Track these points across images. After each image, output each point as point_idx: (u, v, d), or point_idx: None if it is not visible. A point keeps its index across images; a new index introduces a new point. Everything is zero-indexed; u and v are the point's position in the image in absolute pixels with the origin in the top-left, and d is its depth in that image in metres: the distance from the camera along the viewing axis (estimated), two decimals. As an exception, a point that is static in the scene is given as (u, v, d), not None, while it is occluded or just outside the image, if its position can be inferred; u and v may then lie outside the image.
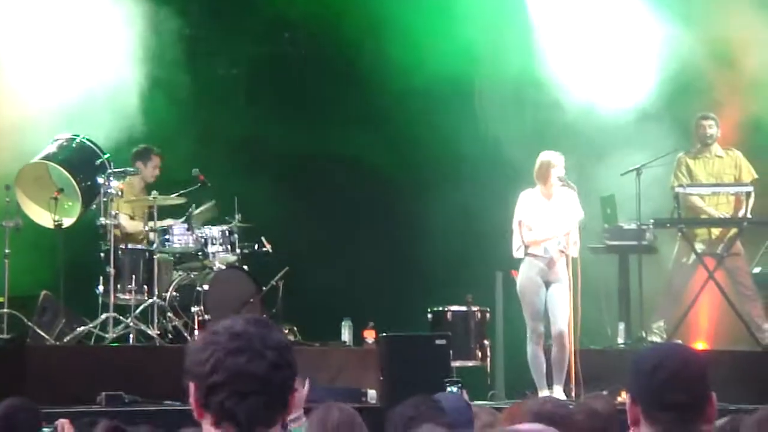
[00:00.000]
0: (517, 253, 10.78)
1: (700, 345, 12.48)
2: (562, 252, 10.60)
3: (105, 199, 11.27)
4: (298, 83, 14.04)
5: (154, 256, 11.50)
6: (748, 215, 12.18)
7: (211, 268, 11.75)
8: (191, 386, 2.81)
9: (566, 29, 13.45)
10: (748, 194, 12.23)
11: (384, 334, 10.96)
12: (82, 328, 11.09)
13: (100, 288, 11.23)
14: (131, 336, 11.05)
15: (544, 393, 10.32)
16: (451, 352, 10.66)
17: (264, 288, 11.73)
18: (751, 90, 12.99)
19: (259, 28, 14.16)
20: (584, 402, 6.04)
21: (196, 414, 2.81)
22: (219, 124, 13.40)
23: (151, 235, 11.69)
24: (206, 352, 2.80)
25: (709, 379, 3.28)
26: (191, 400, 2.81)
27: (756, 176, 12.49)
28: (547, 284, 10.63)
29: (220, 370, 2.77)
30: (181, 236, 11.69)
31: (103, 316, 11.07)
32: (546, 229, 10.63)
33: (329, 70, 13.97)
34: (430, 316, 11.80)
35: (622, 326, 12.32)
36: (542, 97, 13.53)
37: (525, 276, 10.69)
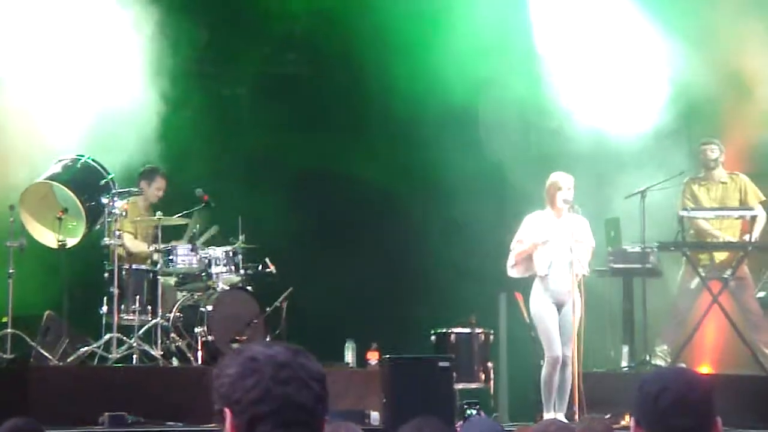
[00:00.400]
0: (511, 271, 10.77)
1: (704, 369, 12.46)
2: (576, 275, 10.57)
3: (109, 219, 11.28)
4: (304, 104, 14.04)
5: (158, 277, 11.50)
6: (754, 239, 12.16)
7: (215, 289, 11.75)
8: (227, 413, 2.73)
9: (571, 52, 13.47)
10: (753, 218, 12.22)
11: (387, 356, 10.94)
12: (86, 348, 11.07)
13: (104, 308, 11.22)
14: (135, 356, 11.03)
15: (550, 415, 10.31)
16: (454, 374, 10.64)
17: (267, 309, 11.73)
18: (760, 115, 13.00)
19: (265, 48, 14.20)
20: (585, 425, 6.00)
21: None
22: (224, 144, 13.41)
23: (155, 256, 11.69)
24: (251, 379, 2.73)
25: (714, 404, 3.27)
26: (228, 427, 2.73)
27: (763, 198, 12.47)
28: (558, 307, 10.62)
29: (268, 399, 2.71)
30: (185, 257, 11.70)
31: (107, 336, 11.06)
32: (552, 250, 10.61)
33: (335, 91, 13.99)
34: (433, 337, 11.78)
35: (625, 349, 12.31)
36: (546, 120, 13.55)
37: (538, 301, 10.67)
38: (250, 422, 2.71)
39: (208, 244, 12.04)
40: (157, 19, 12.41)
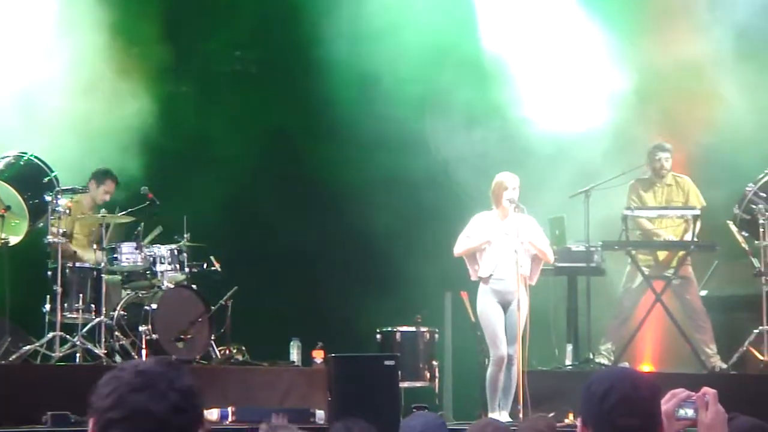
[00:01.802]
0: (474, 275, 10.80)
1: (645, 367, 12.57)
2: (523, 276, 10.61)
3: (52, 217, 11.18)
4: (250, 101, 14.00)
5: (102, 275, 11.42)
6: (695, 239, 12.28)
7: (160, 287, 11.70)
8: (90, 421, 2.74)
9: (518, 51, 13.54)
10: (695, 218, 12.32)
11: (333, 355, 10.94)
12: (28, 346, 10.97)
13: (47, 306, 11.13)
14: (78, 355, 10.95)
15: (495, 414, 10.35)
16: (399, 372, 10.66)
17: (213, 307, 11.68)
18: (704, 120, 13.12)
19: (212, 46, 14.16)
20: (528, 424, 6.03)
21: None
22: (169, 141, 13.33)
23: (99, 254, 11.61)
24: (109, 386, 2.73)
25: (660, 403, 3.30)
26: None
27: (704, 203, 12.58)
28: (504, 307, 10.65)
29: (120, 406, 2.69)
30: (129, 255, 11.63)
31: (50, 335, 10.97)
32: (498, 250, 10.65)
33: (281, 89, 13.97)
34: (379, 336, 11.82)
35: (570, 348, 12.37)
36: (491, 120, 13.60)
37: (484, 301, 10.71)
38: (103, 428, 2.70)
39: (152, 243, 11.98)
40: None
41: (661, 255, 12.66)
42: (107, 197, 12.12)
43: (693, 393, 3.43)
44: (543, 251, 10.77)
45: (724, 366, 12.20)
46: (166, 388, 2.71)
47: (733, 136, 12.84)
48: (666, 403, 3.37)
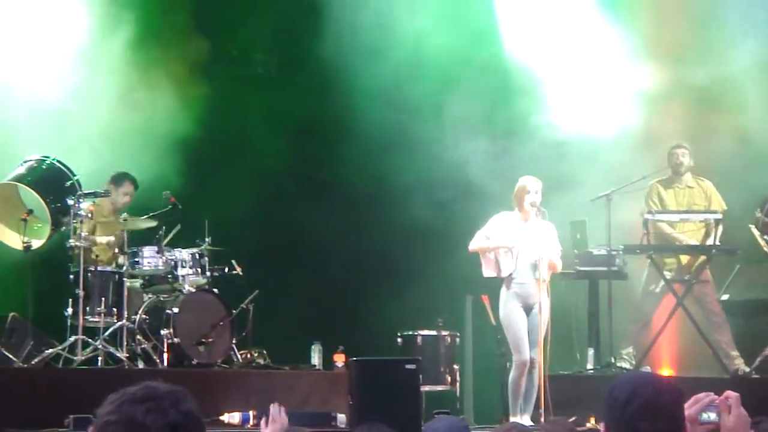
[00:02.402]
0: (486, 272, 10.79)
1: (666, 372, 12.53)
2: (543, 280, 10.60)
3: (74, 221, 11.22)
4: (271, 105, 13.99)
5: (124, 279, 11.45)
6: (717, 243, 12.25)
7: (181, 291, 11.71)
8: (89, 428, 2.77)
9: (538, 54, 13.53)
10: (717, 222, 12.29)
11: (354, 359, 10.92)
12: (51, 350, 11.01)
13: (69, 310, 11.16)
14: (100, 359, 10.98)
15: (516, 418, 10.33)
16: (420, 376, 10.65)
17: (234, 311, 11.69)
18: (726, 126, 13.10)
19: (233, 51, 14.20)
20: (547, 428, 6.04)
21: None
22: (191, 146, 13.35)
23: (121, 258, 11.64)
24: (114, 396, 2.76)
25: (683, 408, 3.29)
26: None
27: (725, 207, 12.56)
28: (526, 311, 10.64)
29: (116, 412, 2.71)
30: (150, 258, 11.65)
31: (72, 338, 11.00)
32: (519, 254, 10.63)
33: (302, 92, 13.97)
34: (400, 340, 11.82)
35: (591, 352, 12.35)
36: (514, 123, 13.60)
37: (507, 305, 10.69)
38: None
39: (172, 244, 11.99)
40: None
41: (683, 259, 12.64)
42: (127, 199, 12.14)
43: (716, 397, 3.43)
44: (554, 264, 10.76)
45: (747, 369, 12.17)
46: (168, 406, 2.72)
47: (756, 140, 12.82)
48: (689, 408, 3.36)
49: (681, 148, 12.73)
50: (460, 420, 6.02)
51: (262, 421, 6.28)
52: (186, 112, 13.07)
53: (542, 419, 10.44)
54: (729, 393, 3.44)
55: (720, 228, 12.24)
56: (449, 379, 11.67)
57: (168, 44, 13.12)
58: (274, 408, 6.23)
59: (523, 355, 10.58)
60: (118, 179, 12.12)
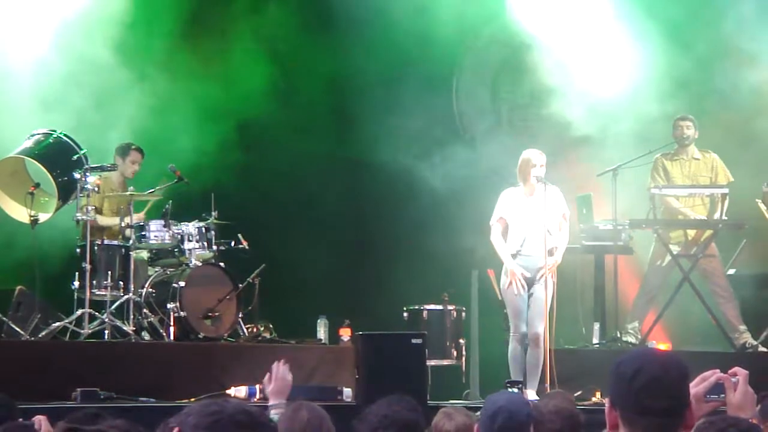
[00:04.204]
0: (499, 251, 10.79)
1: (662, 346, 12.54)
2: (549, 252, 10.61)
3: (81, 195, 11.23)
4: (279, 77, 13.95)
5: (131, 252, 11.47)
6: (724, 217, 12.24)
7: (188, 265, 11.72)
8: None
9: (548, 27, 13.48)
10: (723, 196, 12.28)
11: (360, 333, 10.96)
12: (58, 323, 11.04)
13: (76, 284, 11.18)
14: (107, 332, 11.00)
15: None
16: (426, 350, 10.67)
17: (240, 285, 11.71)
18: (736, 99, 13.08)
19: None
20: (548, 402, 6.05)
21: None
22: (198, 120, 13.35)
23: (127, 231, 11.65)
24: (209, 407, 2.86)
25: (688, 385, 3.30)
26: None
27: (732, 179, 12.54)
28: (530, 284, 10.65)
29: (210, 428, 2.80)
30: (157, 232, 11.66)
31: (79, 311, 11.03)
32: (525, 227, 10.65)
33: (311, 64, 13.94)
34: (406, 314, 11.83)
35: (597, 326, 12.37)
36: (520, 96, 13.58)
37: (508, 276, 10.70)
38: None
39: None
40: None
41: (689, 233, 12.63)
42: (136, 167, 12.15)
43: (723, 375, 3.43)
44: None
45: (754, 343, 12.19)
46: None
47: (763, 112, 12.81)
48: (695, 387, 3.37)
49: (686, 120, 12.68)
50: (520, 395, 6.04)
51: (266, 378, 6.30)
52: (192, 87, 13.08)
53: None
54: (736, 369, 3.44)
55: (727, 202, 12.23)
56: (455, 353, 11.69)
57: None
58: (276, 366, 6.24)
59: (521, 327, 10.62)
60: (123, 150, 12.14)
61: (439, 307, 11.81)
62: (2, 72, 12.26)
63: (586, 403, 10.39)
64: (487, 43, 13.67)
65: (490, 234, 10.77)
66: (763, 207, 12.12)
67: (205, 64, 13.29)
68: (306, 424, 5.06)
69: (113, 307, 11.16)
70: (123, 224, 11.67)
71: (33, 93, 12.16)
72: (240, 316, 11.72)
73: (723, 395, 3.42)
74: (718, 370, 3.50)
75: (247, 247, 12.02)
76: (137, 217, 11.76)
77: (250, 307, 11.93)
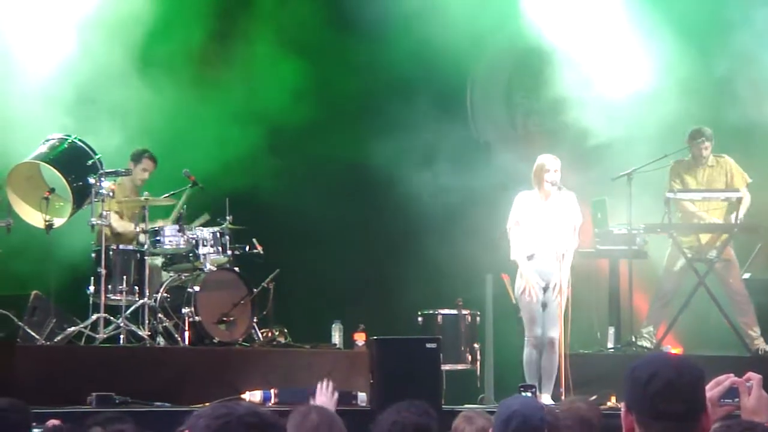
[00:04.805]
0: (515, 256, 10.79)
1: (673, 350, 12.51)
2: (561, 256, 10.61)
3: (96, 200, 11.26)
4: (298, 84, 13.95)
5: (145, 257, 11.49)
6: (739, 220, 12.20)
7: (202, 270, 11.74)
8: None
9: (562, 33, 13.46)
10: (738, 200, 12.25)
11: (374, 337, 10.95)
12: (73, 328, 11.07)
13: (91, 288, 11.22)
14: (122, 337, 11.03)
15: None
16: (441, 355, 10.67)
17: (255, 290, 11.72)
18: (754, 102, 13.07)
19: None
20: (568, 408, 6.03)
21: None
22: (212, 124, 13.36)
23: (142, 236, 11.68)
24: (220, 409, 2.91)
25: (703, 389, 3.29)
26: None
27: (750, 180, 12.48)
28: (544, 289, 10.65)
29: (222, 429, 2.83)
30: (172, 237, 11.68)
31: (94, 316, 11.05)
32: (539, 231, 10.65)
33: (327, 71, 13.94)
34: (420, 319, 11.83)
35: (611, 331, 12.35)
36: (534, 102, 13.57)
37: (523, 281, 10.70)
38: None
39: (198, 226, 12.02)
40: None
41: (704, 238, 12.59)
42: (146, 175, 12.19)
43: (737, 379, 3.42)
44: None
45: (768, 348, 12.17)
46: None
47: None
48: (710, 390, 3.36)
49: (704, 140, 12.45)
50: (534, 399, 6.03)
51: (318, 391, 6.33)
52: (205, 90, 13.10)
53: (563, 398, 10.44)
54: (750, 374, 3.43)
55: (744, 204, 12.20)
56: (470, 358, 11.69)
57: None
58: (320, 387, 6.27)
59: (535, 331, 10.62)
60: (138, 156, 12.18)
61: (454, 311, 11.81)
62: (18, 76, 12.28)
63: (601, 407, 10.35)
64: (501, 49, 13.64)
65: (506, 237, 10.77)
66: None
67: (224, 67, 13.34)
68: (315, 428, 5.04)
69: (128, 311, 11.19)
70: (138, 229, 11.71)
71: (49, 97, 12.18)
72: (255, 320, 11.73)
73: (737, 399, 3.41)
74: (732, 375, 3.49)
75: (261, 252, 12.04)
76: (162, 223, 11.82)
77: (264, 312, 11.94)
